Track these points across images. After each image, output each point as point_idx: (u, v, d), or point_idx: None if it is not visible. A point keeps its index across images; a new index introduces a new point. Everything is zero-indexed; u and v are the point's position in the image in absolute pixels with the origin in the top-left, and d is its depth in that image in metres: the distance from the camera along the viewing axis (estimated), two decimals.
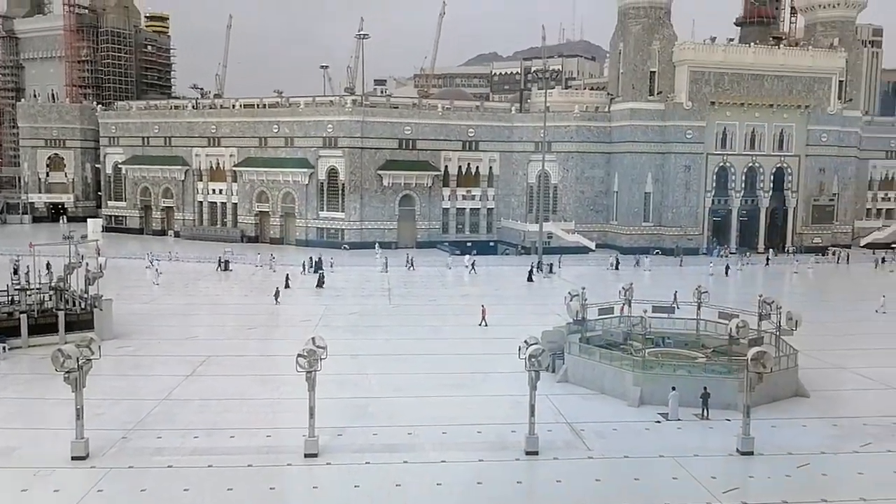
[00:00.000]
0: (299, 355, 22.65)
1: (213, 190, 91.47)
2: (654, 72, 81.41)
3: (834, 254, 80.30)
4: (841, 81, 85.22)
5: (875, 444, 24.61)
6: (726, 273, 67.52)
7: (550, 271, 65.45)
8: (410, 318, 46.18)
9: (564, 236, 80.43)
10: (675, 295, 44.49)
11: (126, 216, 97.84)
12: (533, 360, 23.18)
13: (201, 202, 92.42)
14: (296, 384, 24.74)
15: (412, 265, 67.19)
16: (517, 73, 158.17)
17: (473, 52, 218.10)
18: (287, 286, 54.55)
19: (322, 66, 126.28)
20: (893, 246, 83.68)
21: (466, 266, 66.97)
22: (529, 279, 61.64)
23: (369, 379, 31.94)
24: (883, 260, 76.29)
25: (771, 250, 79.89)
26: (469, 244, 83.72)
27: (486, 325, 42.43)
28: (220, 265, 65.45)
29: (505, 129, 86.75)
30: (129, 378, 31.77)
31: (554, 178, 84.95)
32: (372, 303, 51.27)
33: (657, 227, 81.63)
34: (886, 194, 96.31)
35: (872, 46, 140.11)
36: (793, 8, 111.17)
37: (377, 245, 78.24)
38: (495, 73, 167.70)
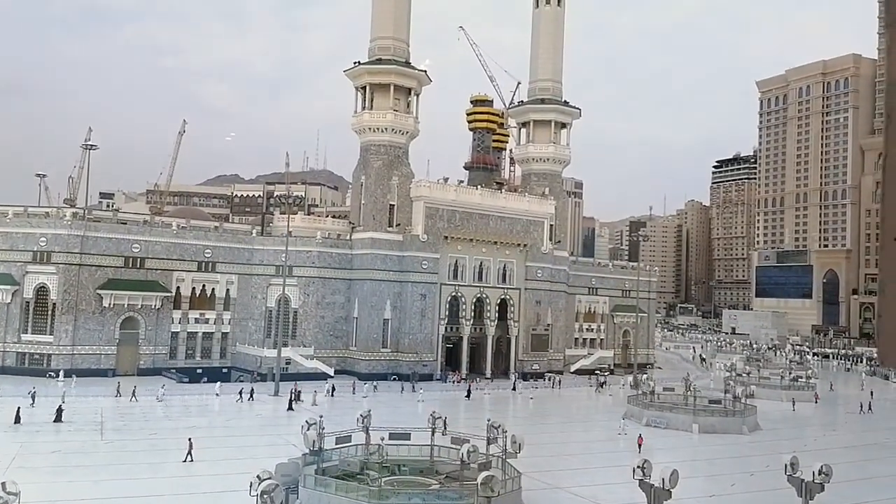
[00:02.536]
0: None
1: None
2: (393, 205, 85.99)
3: (549, 379, 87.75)
4: (551, 225, 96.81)
5: None
6: (468, 397, 70.61)
7: (298, 399, 62.43)
8: (125, 456, 40.97)
9: (303, 362, 78.70)
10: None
11: None
12: (265, 496, 21.44)
13: None
14: None
15: (134, 396, 60.45)
16: (259, 196, 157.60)
17: (214, 173, 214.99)
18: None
19: (39, 175, 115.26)
20: (596, 372, 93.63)
21: (217, 394, 62.63)
22: (290, 408, 58.79)
23: None
24: (602, 384, 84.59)
25: (515, 375, 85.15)
26: (200, 370, 78.32)
27: (192, 461, 38.22)
28: None
29: (245, 251, 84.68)
30: None
31: (294, 302, 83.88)
32: (80, 438, 44.87)
33: (395, 353, 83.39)
34: (590, 325, 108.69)
35: (575, 197, 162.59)
36: (512, 159, 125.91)
37: (59, 373, 69.20)
38: (237, 195, 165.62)
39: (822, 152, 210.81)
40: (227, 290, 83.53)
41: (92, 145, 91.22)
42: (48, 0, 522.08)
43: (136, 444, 44.48)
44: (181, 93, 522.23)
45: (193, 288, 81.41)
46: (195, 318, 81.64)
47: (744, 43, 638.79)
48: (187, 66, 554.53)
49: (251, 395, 62.87)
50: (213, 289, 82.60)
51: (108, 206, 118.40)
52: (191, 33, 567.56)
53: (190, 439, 39.51)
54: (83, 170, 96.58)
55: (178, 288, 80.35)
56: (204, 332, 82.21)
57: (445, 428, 37.90)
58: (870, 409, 72.99)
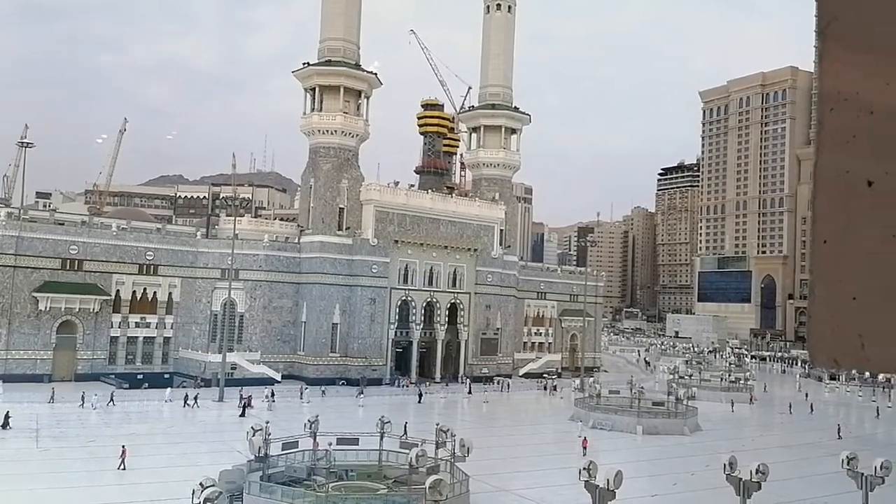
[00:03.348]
0: None
1: None
2: (343, 208, 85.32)
3: (499, 383, 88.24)
4: (501, 230, 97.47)
5: None
6: (419, 401, 70.43)
7: (250, 405, 61.02)
8: (62, 464, 39.60)
9: (249, 367, 77.38)
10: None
11: None
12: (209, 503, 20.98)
13: None
14: None
15: (90, 402, 58.20)
16: (204, 197, 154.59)
17: (157, 173, 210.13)
18: None
19: None
20: (544, 375, 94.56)
21: (168, 400, 61.30)
22: (242, 414, 57.45)
23: None
24: (555, 388, 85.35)
25: (470, 380, 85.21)
26: (140, 376, 76.28)
27: (125, 469, 36.94)
28: None
29: (189, 254, 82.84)
30: None
31: (240, 306, 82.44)
32: (15, 446, 43.20)
33: (343, 358, 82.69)
34: (538, 329, 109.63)
35: (525, 202, 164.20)
36: (462, 164, 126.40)
37: None
38: (180, 196, 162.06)
39: (760, 161, 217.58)
40: (170, 293, 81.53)
41: (28, 143, 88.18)
42: None
43: (73, 452, 43.01)
44: (122, 91, 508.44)
45: (134, 291, 79.23)
46: (136, 322, 79.46)
47: (689, 54, 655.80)
48: (128, 63, 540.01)
49: (196, 401, 61.45)
50: (154, 292, 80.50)
51: (45, 205, 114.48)
52: (132, 29, 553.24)
53: (124, 446, 38.21)
54: (19, 168, 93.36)
55: (118, 291, 78.06)
56: (145, 337, 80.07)
57: (406, 434, 37.73)
58: (811, 410, 75.75)
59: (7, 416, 48.03)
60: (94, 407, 57.57)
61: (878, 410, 78.30)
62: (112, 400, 59.65)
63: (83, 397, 58.53)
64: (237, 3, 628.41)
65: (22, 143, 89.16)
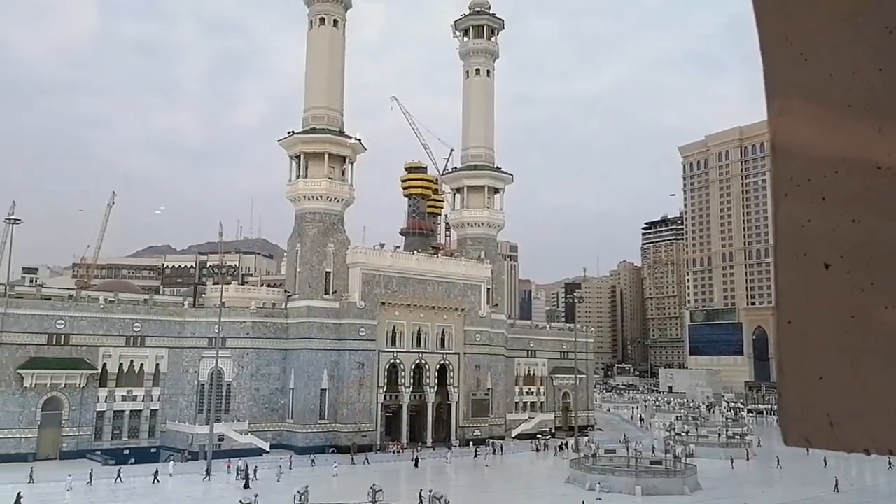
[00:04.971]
0: None
1: None
2: (330, 272, 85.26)
3: (491, 445, 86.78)
4: (488, 289, 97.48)
5: None
6: (416, 465, 69.18)
7: (246, 478, 59.00)
8: None
9: (237, 438, 75.85)
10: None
11: None
12: None
13: None
14: None
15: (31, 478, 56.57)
16: (192, 266, 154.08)
17: (145, 244, 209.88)
18: None
19: None
20: (538, 436, 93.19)
21: (170, 474, 60.45)
22: (246, 485, 55.91)
23: None
24: (547, 447, 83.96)
25: (466, 443, 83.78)
26: (127, 451, 74.54)
27: None
28: None
29: (176, 324, 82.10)
30: None
31: (228, 375, 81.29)
32: None
33: (333, 424, 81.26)
34: (530, 388, 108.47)
35: (511, 260, 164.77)
36: (447, 224, 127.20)
37: None
38: (168, 266, 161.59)
39: (743, 213, 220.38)
40: (157, 364, 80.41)
41: (16, 219, 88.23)
42: None
43: None
44: (109, 165, 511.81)
45: (121, 364, 78.08)
46: (122, 396, 78.06)
47: (663, 111, 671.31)
48: (114, 138, 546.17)
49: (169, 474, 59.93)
50: (141, 364, 79.37)
51: (31, 281, 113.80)
52: (118, 105, 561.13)
53: None
54: (6, 244, 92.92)
55: (104, 364, 76.93)
56: (132, 410, 78.55)
57: None
58: (825, 464, 71.96)
59: (19, 497, 46.55)
60: (68, 489, 54.89)
61: (890, 462, 75.81)
62: (91, 479, 57.76)
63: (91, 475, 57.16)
64: (221, 77, 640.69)
65: (9, 219, 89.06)
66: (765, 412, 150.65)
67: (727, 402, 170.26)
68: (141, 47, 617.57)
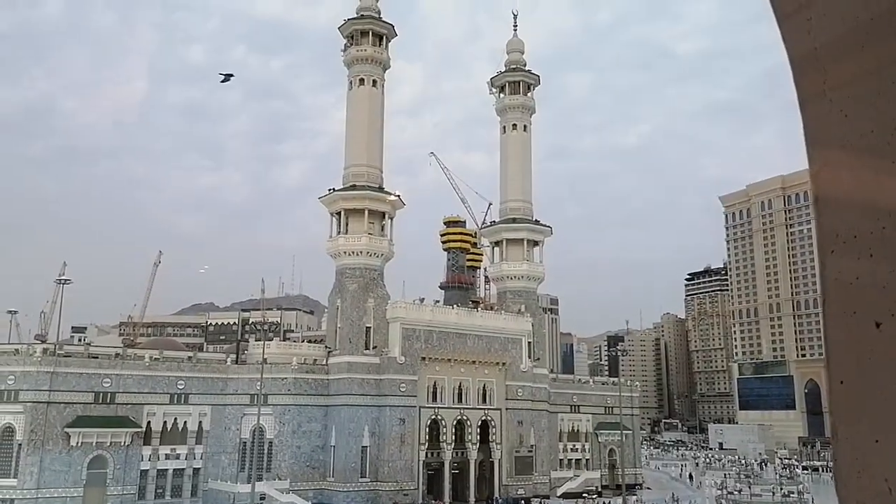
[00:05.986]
0: None
1: None
2: (370, 327, 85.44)
3: None
4: (529, 342, 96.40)
5: None
6: None
7: None
8: None
9: (279, 497, 75.35)
10: None
11: None
12: None
13: None
14: None
15: None
16: (234, 323, 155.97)
17: (189, 301, 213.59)
18: None
19: (10, 311, 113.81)
20: (584, 495, 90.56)
21: None
22: None
23: None
24: None
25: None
26: None
27: None
28: None
29: (219, 380, 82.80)
30: None
31: (269, 432, 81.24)
32: None
33: (374, 482, 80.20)
34: (574, 445, 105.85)
35: (552, 313, 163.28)
36: (486, 277, 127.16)
37: None
38: (211, 324, 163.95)
39: (790, 263, 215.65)
40: (200, 422, 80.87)
41: (66, 280, 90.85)
42: (29, 141, 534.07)
43: None
44: (156, 224, 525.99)
45: (165, 421, 78.73)
46: (166, 454, 78.45)
47: (701, 161, 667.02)
48: (161, 198, 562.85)
49: None
50: (185, 422, 79.94)
51: (80, 339, 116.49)
52: (166, 166, 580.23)
53: None
54: (56, 304, 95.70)
55: (149, 422, 77.69)
56: (175, 469, 78.78)
57: None
58: None
59: None
60: None
61: None
62: None
63: None
64: (265, 138, 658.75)
65: (60, 280, 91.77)
66: (821, 469, 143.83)
67: (781, 459, 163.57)
68: (188, 110, 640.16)
